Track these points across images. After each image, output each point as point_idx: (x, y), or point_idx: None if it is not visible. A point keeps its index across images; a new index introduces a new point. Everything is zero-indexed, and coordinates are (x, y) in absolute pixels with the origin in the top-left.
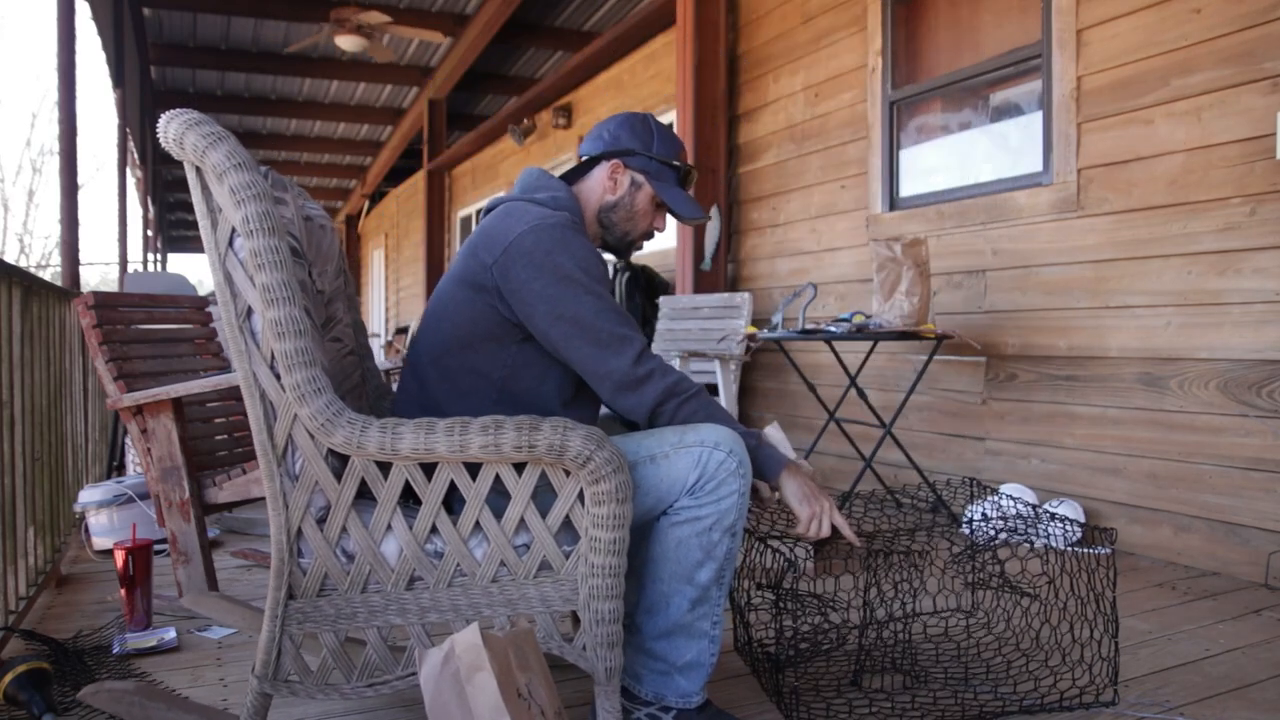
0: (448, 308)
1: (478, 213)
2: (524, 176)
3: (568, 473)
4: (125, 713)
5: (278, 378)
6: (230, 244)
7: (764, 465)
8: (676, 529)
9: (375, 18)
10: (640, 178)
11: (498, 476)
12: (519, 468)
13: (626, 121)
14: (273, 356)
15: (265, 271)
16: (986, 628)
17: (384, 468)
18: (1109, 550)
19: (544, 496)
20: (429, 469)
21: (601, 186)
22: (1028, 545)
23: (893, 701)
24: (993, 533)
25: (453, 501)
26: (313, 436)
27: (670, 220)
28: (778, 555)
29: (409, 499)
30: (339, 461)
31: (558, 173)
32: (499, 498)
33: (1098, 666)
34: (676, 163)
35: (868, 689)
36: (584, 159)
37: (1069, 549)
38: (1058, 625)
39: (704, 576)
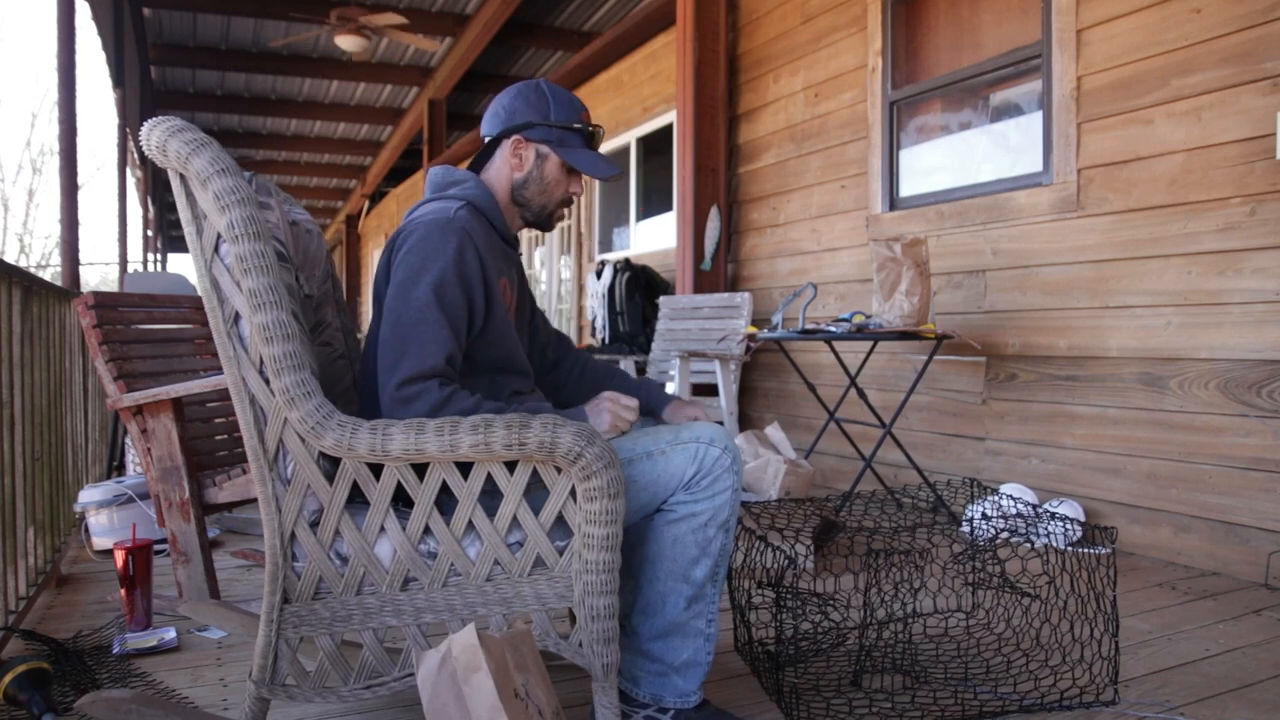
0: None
1: None
2: (430, 176)
3: (559, 469)
4: None
5: (267, 382)
6: (216, 250)
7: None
8: (672, 526)
9: (376, 19)
10: (544, 148)
11: (489, 475)
12: (510, 466)
13: (519, 94)
14: (261, 361)
15: (252, 276)
16: (987, 627)
17: (375, 470)
18: (1109, 550)
19: (536, 494)
20: (420, 470)
21: (508, 166)
22: (1028, 545)
23: (893, 701)
24: (993, 532)
25: (445, 502)
26: (303, 440)
27: (669, 219)
28: (778, 553)
29: (401, 501)
30: (330, 464)
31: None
32: (491, 497)
33: (1098, 666)
34: (577, 125)
35: (868, 688)
36: (486, 141)
37: (1069, 549)
38: (1058, 625)
39: (699, 573)
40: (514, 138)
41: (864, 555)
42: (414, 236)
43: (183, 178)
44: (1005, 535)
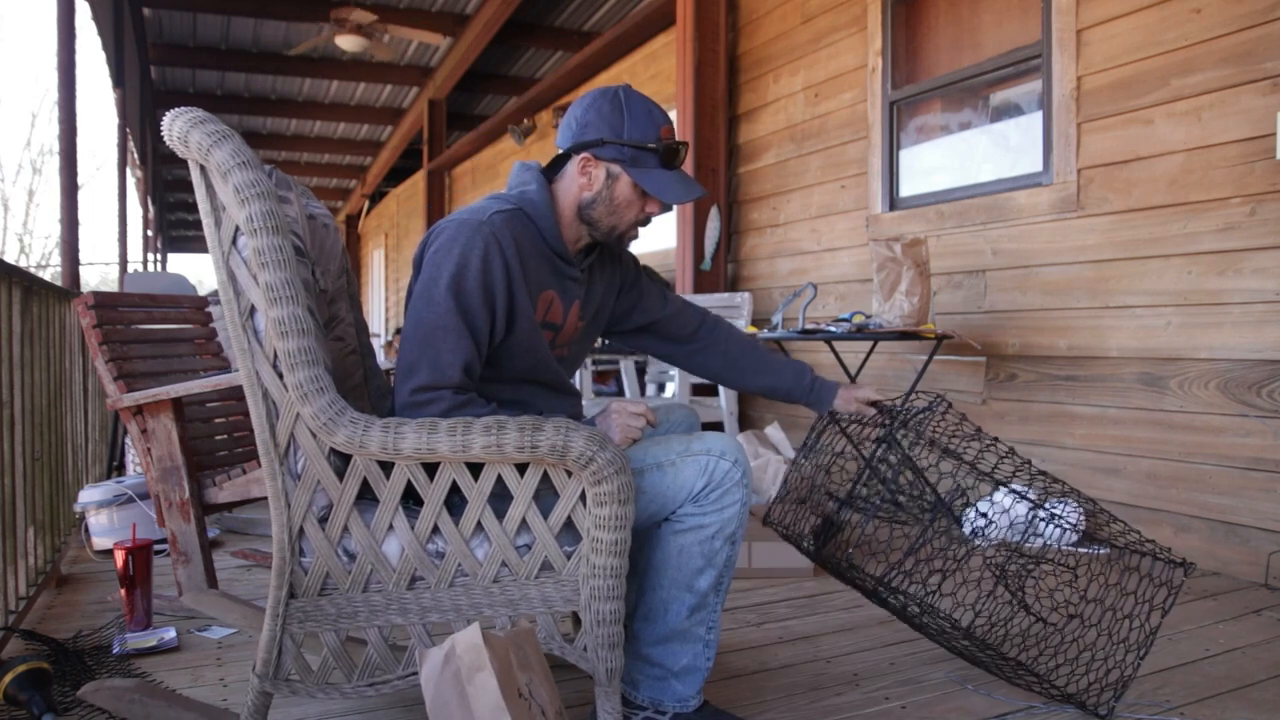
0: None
1: None
2: (510, 174)
3: (570, 473)
4: (126, 710)
5: (280, 376)
6: (234, 242)
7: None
8: (679, 537)
9: (374, 18)
10: (616, 168)
11: (500, 476)
12: (521, 468)
13: (594, 105)
14: (275, 355)
15: (269, 270)
16: (1001, 654)
17: (386, 467)
18: (1182, 577)
19: (546, 497)
20: (431, 469)
21: (576, 185)
22: (1047, 542)
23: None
24: (1012, 535)
25: (454, 501)
26: (315, 435)
27: (669, 219)
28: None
29: (410, 499)
30: (341, 461)
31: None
32: (500, 500)
33: (1113, 675)
34: (653, 144)
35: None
36: (560, 151)
37: (1089, 550)
38: (1080, 638)
39: (703, 584)
40: (583, 155)
41: (898, 549)
42: (443, 236)
43: (203, 169)
44: (1025, 534)
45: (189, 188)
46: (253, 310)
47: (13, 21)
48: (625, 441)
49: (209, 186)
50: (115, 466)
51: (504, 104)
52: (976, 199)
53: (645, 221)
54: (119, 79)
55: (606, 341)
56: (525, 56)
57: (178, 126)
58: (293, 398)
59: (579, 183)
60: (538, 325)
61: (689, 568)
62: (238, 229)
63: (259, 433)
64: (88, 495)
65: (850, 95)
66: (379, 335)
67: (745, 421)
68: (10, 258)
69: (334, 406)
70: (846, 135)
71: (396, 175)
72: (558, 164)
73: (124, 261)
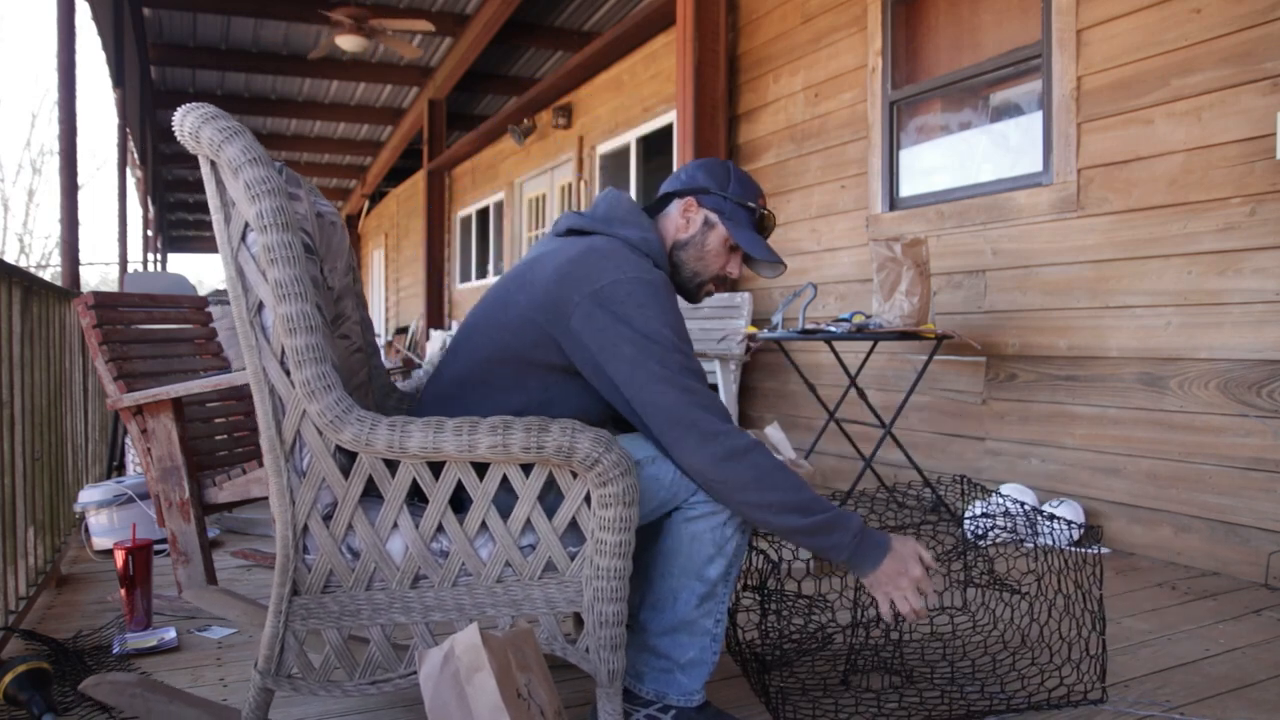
0: (504, 326)
1: (478, 213)
2: (611, 202)
3: (575, 474)
4: (127, 704)
5: (288, 373)
6: (243, 238)
7: (860, 559)
8: (692, 524)
9: (375, 19)
10: (714, 217)
11: (505, 477)
12: (526, 468)
13: (704, 164)
14: (283, 352)
15: (278, 267)
16: (973, 628)
17: (391, 465)
18: (1096, 549)
19: (551, 498)
20: (436, 468)
21: (674, 225)
22: (1019, 544)
23: (880, 703)
24: (984, 529)
25: (459, 501)
26: (321, 433)
27: None
28: (763, 556)
29: (415, 497)
30: (347, 458)
31: (560, 173)
32: (505, 498)
33: (1086, 664)
34: (751, 204)
35: (857, 689)
36: (660, 196)
37: (1067, 548)
38: (1045, 624)
39: (713, 572)
40: (687, 199)
41: None
42: (645, 293)
43: (214, 165)
44: (997, 534)
45: (189, 188)
46: (260, 306)
47: (13, 21)
48: (886, 606)
49: (219, 182)
50: (115, 466)
51: (504, 104)
52: (976, 199)
53: (723, 281)
54: (119, 79)
55: None
56: (525, 56)
57: (189, 122)
58: (300, 394)
59: (678, 223)
60: None
61: (700, 555)
62: (247, 225)
63: (265, 429)
64: (88, 495)
65: (850, 95)
66: (378, 335)
67: (744, 421)
68: (10, 258)
69: (341, 404)
70: (846, 135)
71: (396, 175)
72: (654, 209)
73: (124, 261)
